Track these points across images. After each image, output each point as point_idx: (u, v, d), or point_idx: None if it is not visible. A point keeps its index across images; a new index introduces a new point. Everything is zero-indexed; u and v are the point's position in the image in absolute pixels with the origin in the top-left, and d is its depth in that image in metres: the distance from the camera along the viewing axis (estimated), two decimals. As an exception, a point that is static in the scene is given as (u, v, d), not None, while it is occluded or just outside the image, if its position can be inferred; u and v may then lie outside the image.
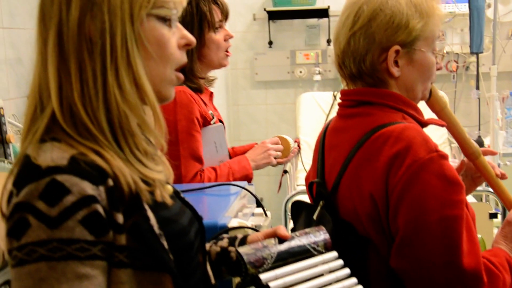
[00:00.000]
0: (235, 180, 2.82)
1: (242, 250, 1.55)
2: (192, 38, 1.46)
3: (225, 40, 2.93)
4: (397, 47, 1.82)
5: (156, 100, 1.38)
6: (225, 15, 2.96)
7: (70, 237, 1.19)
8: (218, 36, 2.89)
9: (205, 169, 2.86)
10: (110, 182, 1.25)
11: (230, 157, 3.06)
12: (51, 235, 1.18)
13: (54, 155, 1.23)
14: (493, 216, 3.71)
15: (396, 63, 1.84)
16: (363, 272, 1.78)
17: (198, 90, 2.92)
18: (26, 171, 1.24)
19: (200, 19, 2.84)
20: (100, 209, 1.22)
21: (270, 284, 1.52)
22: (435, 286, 1.74)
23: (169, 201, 1.38)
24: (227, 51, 2.96)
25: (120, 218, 1.26)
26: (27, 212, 1.20)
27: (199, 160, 2.83)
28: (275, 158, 3.05)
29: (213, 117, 2.94)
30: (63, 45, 1.30)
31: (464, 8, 5.06)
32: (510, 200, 2.05)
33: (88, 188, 1.21)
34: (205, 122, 2.88)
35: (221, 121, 3.08)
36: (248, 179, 2.88)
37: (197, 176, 2.80)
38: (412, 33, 1.83)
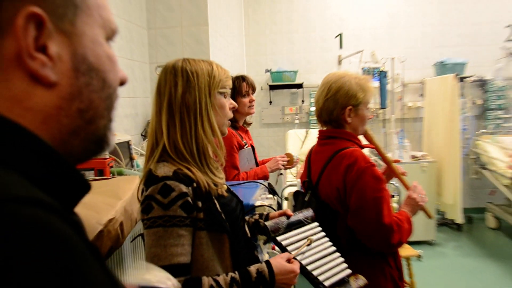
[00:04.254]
0: (259, 178, 2.85)
1: (267, 223, 1.60)
2: (235, 105, 1.52)
3: (250, 101, 2.93)
4: (350, 107, 1.86)
5: (221, 136, 1.45)
6: (251, 87, 2.96)
7: (174, 214, 1.27)
8: (244, 99, 2.90)
9: (241, 173, 2.86)
10: (194, 184, 1.31)
11: (258, 165, 3.04)
12: (164, 213, 1.26)
13: (165, 169, 1.31)
14: (392, 196, 3.75)
15: (349, 115, 1.87)
16: (333, 229, 1.82)
17: (236, 128, 2.92)
18: (151, 178, 1.31)
19: (234, 89, 2.86)
20: (189, 199, 1.29)
21: (282, 242, 1.57)
22: (370, 234, 1.76)
23: (225, 194, 1.44)
24: (250, 107, 2.95)
25: (200, 204, 1.32)
26: (151, 200, 1.27)
27: (236, 168, 2.82)
28: (282, 165, 3.04)
29: (245, 144, 2.92)
30: (172, 108, 1.36)
31: (376, 83, 5.05)
32: (407, 185, 2.02)
33: (184, 188, 1.29)
34: (241, 147, 2.88)
35: (253, 146, 3.08)
36: (266, 177, 2.90)
37: (236, 177, 2.80)
38: (358, 100, 1.87)
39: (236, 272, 1.33)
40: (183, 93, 1.36)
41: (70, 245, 0.44)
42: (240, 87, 2.91)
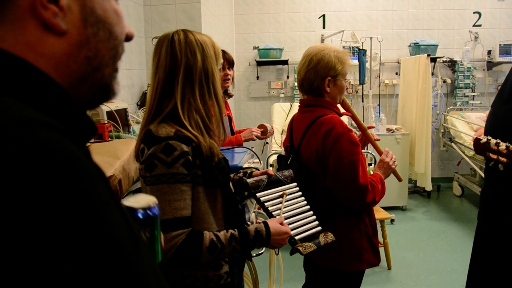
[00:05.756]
0: (232, 145, 2.81)
1: (249, 180, 1.62)
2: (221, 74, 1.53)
3: (225, 75, 2.75)
4: (329, 77, 1.86)
5: None
6: (228, 61, 2.77)
7: (176, 172, 1.26)
8: (220, 73, 2.81)
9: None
10: (194, 144, 1.30)
11: (233, 134, 2.99)
12: (168, 171, 1.25)
13: (166, 130, 1.28)
14: (369, 164, 3.80)
15: (328, 85, 1.86)
16: (312, 189, 1.84)
17: None
18: (153, 138, 1.28)
19: None
20: (190, 158, 1.28)
21: (261, 198, 1.60)
22: (347, 193, 1.77)
23: (220, 155, 1.43)
24: (225, 80, 2.78)
25: (198, 162, 1.31)
26: (155, 159, 1.26)
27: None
28: (256, 136, 2.99)
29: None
30: (191, 75, 1.33)
31: (356, 61, 5.05)
32: (380, 151, 2.04)
33: (185, 147, 1.27)
34: None
35: (230, 116, 3.02)
36: (240, 145, 2.85)
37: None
38: (336, 71, 1.86)
39: (236, 230, 1.35)
40: (202, 61, 1.35)
41: (82, 165, 0.45)
42: None
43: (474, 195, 5.27)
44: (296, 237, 1.60)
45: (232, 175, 1.72)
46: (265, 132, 3.11)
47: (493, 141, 1.76)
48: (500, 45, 5.57)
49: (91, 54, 0.57)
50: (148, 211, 0.83)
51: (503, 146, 1.73)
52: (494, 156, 1.76)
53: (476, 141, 1.81)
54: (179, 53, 1.34)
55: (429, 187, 5.10)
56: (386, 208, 4.26)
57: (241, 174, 1.72)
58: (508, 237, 1.94)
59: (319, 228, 1.71)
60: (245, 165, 2.28)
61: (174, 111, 1.33)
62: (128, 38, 0.64)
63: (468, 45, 5.72)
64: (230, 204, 1.44)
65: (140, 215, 0.83)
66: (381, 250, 3.53)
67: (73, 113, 0.54)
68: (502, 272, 1.95)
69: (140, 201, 0.84)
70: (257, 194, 1.60)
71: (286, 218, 1.61)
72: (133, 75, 3.28)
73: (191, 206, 1.31)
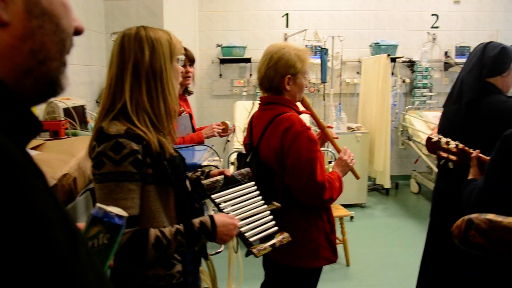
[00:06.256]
0: (194, 143, 2.77)
1: (204, 181, 1.59)
2: (183, 70, 1.49)
3: (186, 72, 2.72)
4: (289, 75, 1.86)
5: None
6: (189, 59, 2.74)
7: (125, 170, 1.24)
8: (180, 70, 2.75)
9: (178, 138, 2.71)
10: (145, 143, 1.28)
11: (194, 131, 2.94)
12: (116, 169, 1.24)
13: (117, 128, 1.27)
14: (329, 162, 3.86)
15: (288, 83, 1.87)
16: (271, 186, 1.84)
17: None
18: (103, 135, 1.26)
19: None
20: (140, 156, 1.27)
21: (216, 200, 1.57)
22: (305, 191, 1.79)
23: (172, 152, 1.39)
24: (186, 78, 2.75)
25: (148, 160, 1.29)
26: (103, 156, 1.24)
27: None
28: (217, 132, 2.96)
29: (183, 111, 2.82)
30: (138, 72, 1.31)
31: (318, 60, 5.12)
32: (339, 149, 2.06)
33: (134, 145, 1.26)
34: (179, 114, 2.75)
35: (190, 114, 2.97)
36: (202, 142, 2.82)
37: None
38: (296, 69, 1.87)
39: (181, 224, 1.34)
40: (150, 58, 1.32)
41: (23, 169, 0.44)
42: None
43: (430, 192, 5.40)
44: (252, 239, 1.59)
45: (190, 174, 1.70)
46: (226, 129, 3.09)
47: (443, 139, 1.82)
48: (456, 46, 5.77)
49: (36, 47, 0.55)
50: (116, 218, 0.86)
51: (452, 144, 1.80)
52: (445, 155, 1.82)
53: (428, 139, 1.87)
54: (128, 49, 1.32)
55: (387, 184, 5.23)
56: (345, 206, 4.33)
57: (198, 173, 1.71)
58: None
59: (276, 228, 1.69)
60: (205, 163, 2.27)
61: (125, 108, 1.31)
62: (78, 31, 0.62)
63: (426, 46, 5.89)
64: (186, 203, 1.43)
65: (104, 218, 0.85)
66: (340, 246, 3.60)
67: (16, 109, 0.52)
68: (452, 269, 2.01)
69: (114, 209, 0.88)
70: (212, 196, 1.57)
71: (242, 219, 1.60)
72: (93, 72, 3.22)
73: (142, 205, 1.30)
